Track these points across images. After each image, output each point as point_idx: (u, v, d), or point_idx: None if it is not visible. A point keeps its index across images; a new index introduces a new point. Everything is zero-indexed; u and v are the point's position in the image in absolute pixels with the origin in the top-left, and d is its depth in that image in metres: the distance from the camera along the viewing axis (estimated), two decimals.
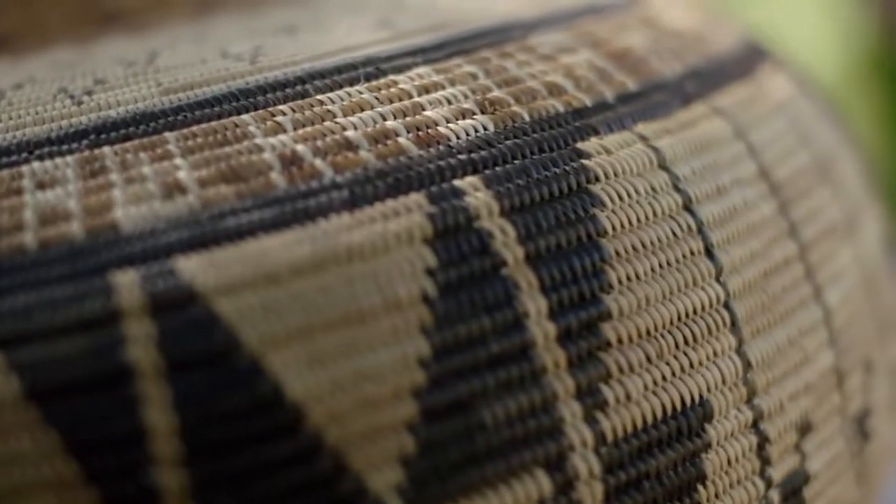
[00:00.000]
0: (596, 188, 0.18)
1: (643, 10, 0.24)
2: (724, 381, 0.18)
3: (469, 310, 0.16)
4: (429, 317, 0.16)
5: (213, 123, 0.17)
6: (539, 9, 0.23)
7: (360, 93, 0.18)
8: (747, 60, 0.24)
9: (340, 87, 0.18)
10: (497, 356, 0.16)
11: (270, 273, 0.15)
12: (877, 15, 0.55)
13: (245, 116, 0.18)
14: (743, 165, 0.20)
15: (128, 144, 0.17)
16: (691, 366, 0.18)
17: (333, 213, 0.16)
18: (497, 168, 0.17)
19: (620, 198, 0.18)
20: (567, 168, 0.18)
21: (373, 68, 0.19)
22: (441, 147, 0.17)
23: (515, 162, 0.17)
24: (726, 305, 0.18)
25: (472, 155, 0.17)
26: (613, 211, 0.18)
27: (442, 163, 0.17)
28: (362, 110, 0.18)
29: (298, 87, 0.18)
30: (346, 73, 0.19)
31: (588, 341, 0.17)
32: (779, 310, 0.19)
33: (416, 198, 0.17)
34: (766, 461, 0.18)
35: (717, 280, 0.18)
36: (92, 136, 0.17)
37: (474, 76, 0.19)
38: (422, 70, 0.19)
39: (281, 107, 0.18)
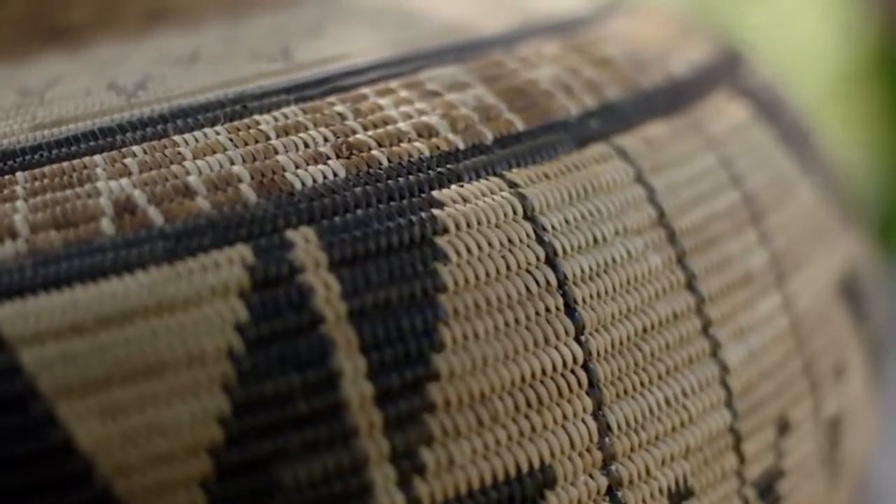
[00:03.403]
0: (442, 241, 0.18)
1: (584, 34, 0.24)
2: (572, 446, 0.18)
3: (277, 367, 0.16)
4: (232, 373, 0.16)
5: (64, 164, 0.18)
6: (455, 37, 0.23)
7: (218, 134, 0.19)
8: (691, 88, 0.24)
9: (201, 126, 0.19)
10: (304, 415, 0.16)
11: (76, 324, 0.16)
12: (877, 15, 0.54)
13: (97, 157, 0.18)
14: (636, 213, 0.20)
15: None
16: (533, 430, 0.18)
17: (153, 264, 0.17)
18: (336, 218, 0.17)
19: (469, 251, 0.18)
20: (414, 218, 0.18)
21: (240, 107, 0.19)
22: (282, 195, 0.18)
23: (358, 212, 0.18)
24: (584, 366, 0.18)
25: (314, 203, 0.18)
26: (458, 265, 0.17)
27: (278, 212, 0.17)
28: (213, 153, 0.18)
29: (159, 127, 0.19)
30: (211, 111, 0.19)
31: (410, 403, 0.17)
32: (657, 369, 0.19)
33: (242, 250, 0.17)
34: None
35: (576, 339, 0.18)
36: None
37: (342, 117, 0.19)
38: (289, 110, 0.19)
39: (134, 147, 0.18)
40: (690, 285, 0.20)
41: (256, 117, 0.19)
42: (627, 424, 0.18)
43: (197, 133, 0.19)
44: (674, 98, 0.23)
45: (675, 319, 0.19)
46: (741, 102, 0.24)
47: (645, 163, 0.20)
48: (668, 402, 0.19)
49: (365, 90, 0.20)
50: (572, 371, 0.18)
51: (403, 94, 0.20)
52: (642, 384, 0.19)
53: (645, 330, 0.19)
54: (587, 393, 0.18)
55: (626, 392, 0.18)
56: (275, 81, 0.20)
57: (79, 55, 0.24)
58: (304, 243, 0.17)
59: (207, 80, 0.20)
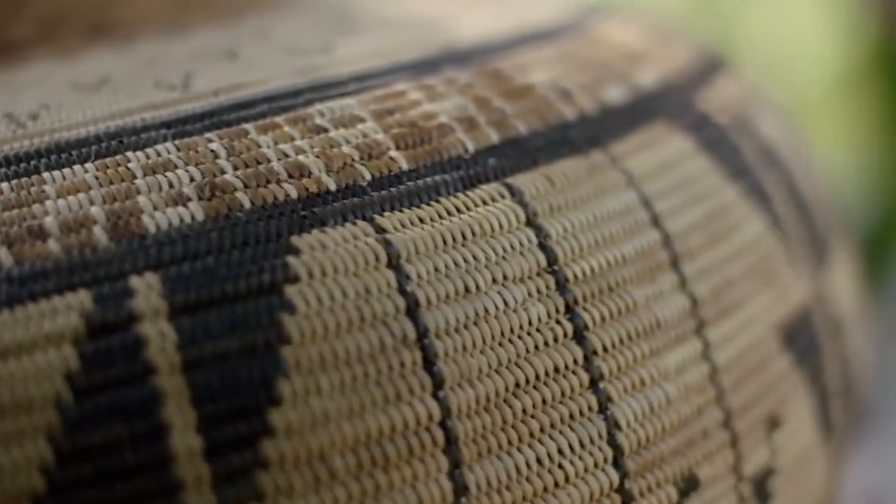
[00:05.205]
0: (291, 290, 0.18)
1: (515, 57, 0.24)
2: None
3: (105, 417, 0.17)
4: (58, 421, 0.17)
5: None
6: (368, 63, 0.23)
7: (86, 172, 0.19)
8: (625, 118, 0.23)
9: (72, 163, 0.19)
10: (130, 467, 0.17)
11: None
12: (877, 15, 0.53)
13: None
14: (520, 259, 0.19)
15: None
16: (378, 489, 0.17)
17: None
18: (185, 264, 0.18)
19: (320, 301, 0.18)
20: (265, 266, 0.18)
21: (116, 142, 0.20)
22: (133, 239, 0.18)
23: (209, 258, 0.18)
24: (441, 423, 0.18)
25: (164, 248, 0.18)
26: (307, 316, 0.18)
27: (126, 257, 0.18)
28: (77, 192, 0.19)
29: (32, 163, 0.19)
30: (87, 147, 0.20)
31: (242, 458, 0.17)
32: (529, 426, 0.19)
33: (83, 296, 0.17)
34: None
35: (434, 395, 0.18)
36: None
37: (215, 155, 0.19)
38: (163, 146, 0.19)
39: (3, 185, 0.19)
40: (579, 336, 0.20)
41: (128, 154, 0.19)
42: (488, 485, 0.18)
43: (66, 170, 0.19)
44: (599, 129, 0.22)
45: (555, 373, 0.19)
46: (684, 132, 0.24)
47: (541, 203, 0.20)
48: (539, 461, 0.19)
49: (248, 125, 0.20)
50: (427, 429, 0.18)
51: (286, 129, 0.20)
52: (510, 442, 0.19)
53: (517, 385, 0.19)
54: (443, 451, 0.18)
55: (489, 451, 0.18)
56: (158, 114, 0.20)
57: (3, 76, 0.25)
58: (146, 290, 0.18)
59: (98, 111, 0.21)
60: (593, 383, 0.20)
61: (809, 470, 0.24)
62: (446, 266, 0.19)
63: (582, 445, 0.19)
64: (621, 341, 0.20)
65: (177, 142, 0.19)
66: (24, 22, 0.26)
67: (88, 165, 0.19)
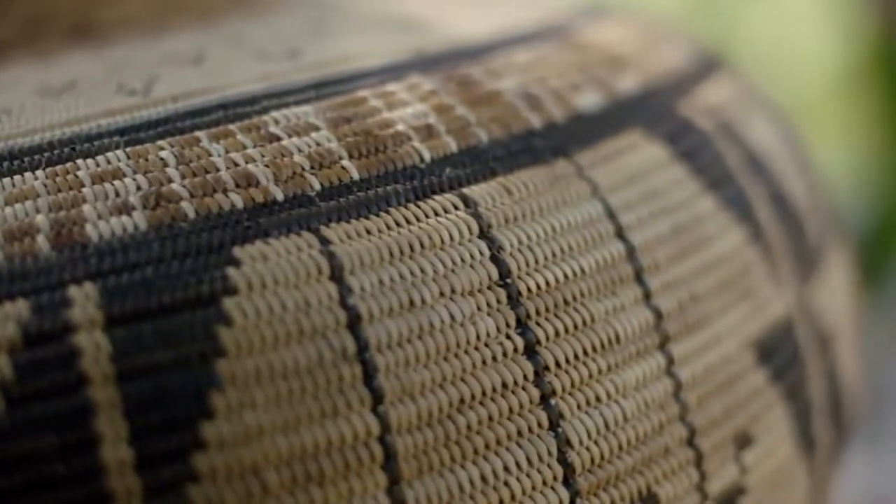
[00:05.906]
0: (229, 302, 0.18)
1: (488, 62, 0.23)
2: None
3: (37, 427, 0.17)
4: None
5: None
6: (333, 69, 0.23)
7: (35, 179, 0.19)
8: (597, 126, 0.23)
9: (24, 170, 0.19)
10: (61, 478, 0.17)
11: None
12: (877, 15, 0.52)
13: None
14: (471, 272, 0.19)
15: None
16: None
17: None
18: (124, 275, 0.18)
19: (258, 314, 0.18)
20: (204, 277, 0.18)
21: (68, 150, 0.20)
22: (76, 249, 0.18)
23: (147, 268, 0.18)
24: (381, 439, 0.18)
25: (104, 259, 0.18)
26: (244, 329, 0.18)
27: (66, 267, 0.18)
28: (25, 200, 0.19)
29: None
30: (40, 154, 0.20)
31: (173, 470, 0.17)
32: (474, 443, 0.18)
33: (21, 306, 0.18)
34: None
35: (373, 410, 0.18)
36: None
37: (164, 163, 0.19)
38: (113, 154, 0.20)
39: None
40: (530, 351, 0.19)
41: (79, 161, 0.20)
42: (429, 502, 0.18)
43: (17, 177, 0.19)
44: (566, 138, 0.22)
45: (504, 389, 0.19)
46: (661, 140, 0.23)
47: (496, 215, 0.20)
48: (484, 478, 0.18)
49: (200, 133, 0.20)
50: (365, 444, 0.18)
51: (239, 137, 0.20)
52: (453, 459, 0.18)
53: (462, 401, 0.19)
54: (382, 467, 0.18)
55: (431, 467, 0.18)
56: (115, 121, 0.20)
57: None
58: (84, 301, 0.18)
59: (56, 117, 0.21)
60: (544, 399, 0.19)
61: (787, 488, 0.24)
62: (391, 279, 0.19)
63: (530, 463, 0.19)
64: (576, 356, 0.20)
65: (128, 149, 0.20)
66: (9, 24, 0.27)
67: (39, 173, 0.19)
